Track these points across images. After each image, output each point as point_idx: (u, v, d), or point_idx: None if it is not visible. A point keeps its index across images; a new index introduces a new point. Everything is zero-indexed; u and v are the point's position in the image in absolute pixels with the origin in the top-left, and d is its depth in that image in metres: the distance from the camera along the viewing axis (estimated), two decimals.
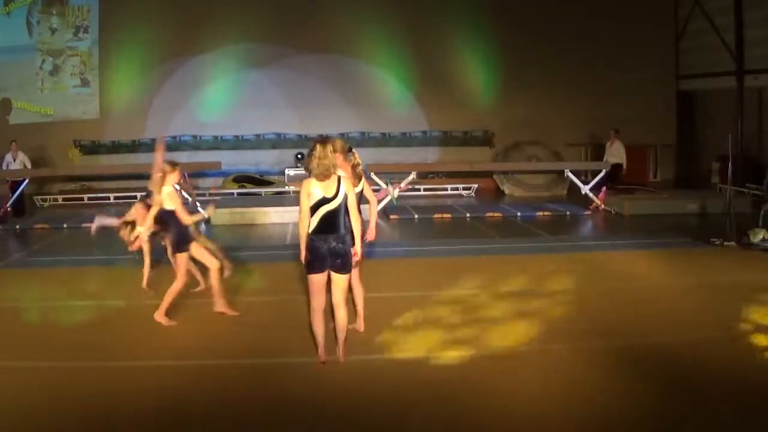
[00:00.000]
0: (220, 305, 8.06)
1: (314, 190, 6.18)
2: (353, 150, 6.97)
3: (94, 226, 9.73)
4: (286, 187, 20.03)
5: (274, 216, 15.72)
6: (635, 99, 22.33)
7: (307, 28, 21.57)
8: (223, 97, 21.96)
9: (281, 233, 14.22)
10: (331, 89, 22.02)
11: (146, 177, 19.91)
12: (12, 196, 16.64)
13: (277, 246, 12.78)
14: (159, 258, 9.35)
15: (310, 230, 6.21)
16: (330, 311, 6.48)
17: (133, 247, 8.99)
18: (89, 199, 20.06)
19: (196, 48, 21.51)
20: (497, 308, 8.22)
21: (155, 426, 5.39)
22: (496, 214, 16.33)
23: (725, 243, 11.90)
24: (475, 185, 20.83)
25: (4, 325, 7.83)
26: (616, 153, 18.29)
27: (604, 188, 17.15)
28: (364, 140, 22.08)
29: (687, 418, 5.29)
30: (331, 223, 6.21)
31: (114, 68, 22.11)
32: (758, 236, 11.67)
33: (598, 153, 20.50)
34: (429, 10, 22.16)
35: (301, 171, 20.49)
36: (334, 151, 6.47)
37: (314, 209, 6.20)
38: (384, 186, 16.37)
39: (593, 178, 17.66)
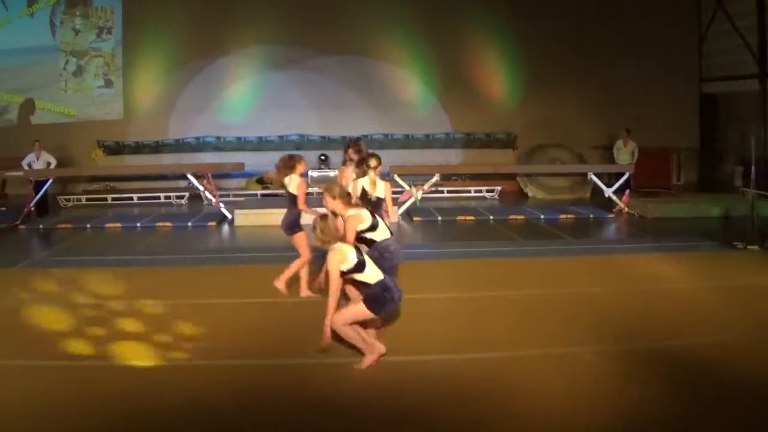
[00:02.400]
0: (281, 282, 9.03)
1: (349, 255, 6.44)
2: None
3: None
4: (310, 188, 20.00)
5: None
6: (658, 102, 22.15)
7: (329, 29, 21.62)
8: (246, 99, 22.08)
9: None
10: (354, 91, 22.08)
11: (169, 178, 20.34)
12: (35, 195, 16.74)
13: None
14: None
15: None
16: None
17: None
18: (113, 199, 20.18)
19: (219, 49, 21.68)
20: (519, 310, 8.22)
21: (168, 426, 5.43)
22: (518, 217, 16.26)
23: (748, 246, 11.83)
24: (499, 187, 20.76)
25: (23, 325, 7.81)
26: (630, 153, 18.28)
27: (627, 191, 17.05)
28: (387, 142, 22.08)
29: (710, 421, 5.26)
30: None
31: (137, 69, 22.30)
32: None
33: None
34: (451, 12, 22.10)
35: (325, 172, 20.56)
36: (333, 197, 6.95)
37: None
38: (407, 188, 16.36)
39: (616, 181, 17.52)
